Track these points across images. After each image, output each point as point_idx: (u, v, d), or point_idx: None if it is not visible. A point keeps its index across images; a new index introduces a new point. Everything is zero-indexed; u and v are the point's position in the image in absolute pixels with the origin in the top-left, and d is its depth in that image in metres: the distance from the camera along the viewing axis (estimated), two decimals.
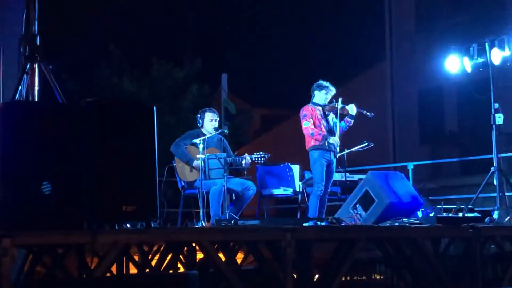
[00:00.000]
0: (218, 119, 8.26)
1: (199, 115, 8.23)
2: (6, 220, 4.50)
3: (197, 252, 6.98)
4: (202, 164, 7.63)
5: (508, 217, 7.78)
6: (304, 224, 6.18)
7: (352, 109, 8.05)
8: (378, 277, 7.74)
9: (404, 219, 6.88)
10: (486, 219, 7.18)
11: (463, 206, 6.69)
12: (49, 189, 4.59)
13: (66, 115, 4.89)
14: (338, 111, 8.00)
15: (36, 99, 5.77)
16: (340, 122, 8.07)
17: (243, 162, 7.82)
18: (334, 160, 8.07)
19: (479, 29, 13.09)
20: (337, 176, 8.32)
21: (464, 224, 6.52)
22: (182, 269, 7.10)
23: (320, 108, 8.11)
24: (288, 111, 19.40)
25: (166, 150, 8.03)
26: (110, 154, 4.88)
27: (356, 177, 8.65)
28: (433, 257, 6.35)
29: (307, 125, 7.96)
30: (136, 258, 7.42)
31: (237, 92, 19.42)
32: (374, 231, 6.21)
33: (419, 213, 7.16)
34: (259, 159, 7.83)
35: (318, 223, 6.27)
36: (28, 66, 5.71)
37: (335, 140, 7.91)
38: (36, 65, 5.72)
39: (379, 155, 15.40)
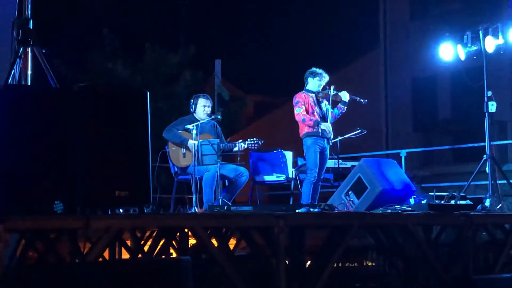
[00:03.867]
0: (211, 105, 8.25)
1: (192, 100, 8.21)
2: None
3: (190, 238, 6.98)
4: (195, 148, 7.63)
5: (500, 205, 7.82)
6: (297, 211, 6.18)
7: (345, 95, 8.06)
8: (370, 264, 7.77)
9: (396, 206, 6.90)
10: (478, 207, 7.22)
11: (455, 194, 6.70)
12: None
13: (59, 100, 4.86)
14: (331, 98, 8.00)
15: (28, 84, 5.73)
16: (333, 109, 8.07)
17: (236, 148, 7.83)
18: (328, 147, 8.08)
19: (473, 16, 13.07)
20: (330, 163, 8.33)
21: (456, 212, 6.54)
22: (174, 255, 7.10)
23: (313, 95, 8.11)
24: (282, 98, 19.38)
25: (159, 135, 8.01)
26: (103, 139, 4.86)
27: (349, 164, 8.65)
28: (425, 244, 6.37)
29: (299, 111, 7.97)
30: (128, 243, 7.41)
31: (230, 79, 19.36)
32: (366, 218, 6.22)
33: (412, 200, 7.18)
34: (253, 145, 7.84)
35: (311, 209, 6.28)
36: (21, 50, 5.66)
37: (326, 126, 7.91)
38: (29, 49, 5.67)
39: (372, 142, 15.44)
